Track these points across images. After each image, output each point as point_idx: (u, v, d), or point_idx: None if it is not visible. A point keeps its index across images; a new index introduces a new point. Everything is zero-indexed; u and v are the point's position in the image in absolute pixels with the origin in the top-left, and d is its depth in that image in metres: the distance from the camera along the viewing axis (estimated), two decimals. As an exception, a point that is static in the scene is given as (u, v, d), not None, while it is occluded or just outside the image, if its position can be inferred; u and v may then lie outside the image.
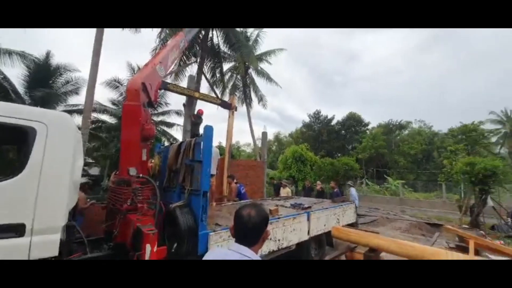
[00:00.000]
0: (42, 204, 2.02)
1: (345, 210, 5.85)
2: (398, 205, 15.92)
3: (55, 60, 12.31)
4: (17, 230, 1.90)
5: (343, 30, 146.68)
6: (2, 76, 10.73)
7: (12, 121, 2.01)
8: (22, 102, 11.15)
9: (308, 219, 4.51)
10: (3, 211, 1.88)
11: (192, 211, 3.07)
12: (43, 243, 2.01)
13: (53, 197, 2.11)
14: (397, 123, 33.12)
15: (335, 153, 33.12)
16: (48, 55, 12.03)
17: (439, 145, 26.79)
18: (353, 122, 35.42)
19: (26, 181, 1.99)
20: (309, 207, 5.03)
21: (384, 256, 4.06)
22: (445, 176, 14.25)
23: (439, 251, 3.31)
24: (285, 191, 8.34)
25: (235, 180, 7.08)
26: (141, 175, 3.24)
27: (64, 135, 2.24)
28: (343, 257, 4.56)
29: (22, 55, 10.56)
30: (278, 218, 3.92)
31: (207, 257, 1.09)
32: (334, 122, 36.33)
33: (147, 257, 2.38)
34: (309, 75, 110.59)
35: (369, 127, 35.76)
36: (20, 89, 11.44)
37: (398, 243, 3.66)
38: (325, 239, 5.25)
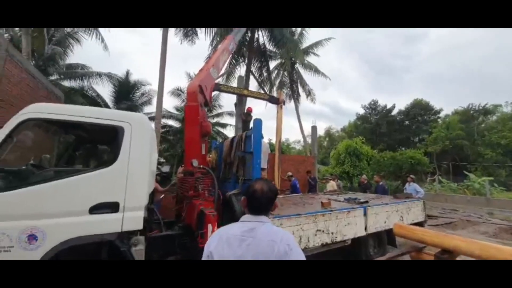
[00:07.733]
0: (130, 187, 2.52)
1: (410, 207, 5.23)
2: (484, 206, 13.14)
3: (133, 77, 15.03)
4: (113, 207, 2.43)
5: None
6: (96, 94, 13.55)
7: (107, 122, 2.59)
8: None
9: (365, 214, 4.24)
10: (103, 192, 2.42)
11: (246, 199, 3.32)
12: (132, 218, 2.51)
13: (138, 182, 2.61)
14: (480, 108, 27.28)
15: (397, 146, 29.47)
16: (127, 73, 14.77)
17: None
18: (419, 111, 30.77)
19: (119, 169, 2.51)
20: (366, 201, 4.72)
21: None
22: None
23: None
24: (330, 185, 8.00)
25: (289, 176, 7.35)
26: (202, 166, 3.66)
27: (144, 132, 2.75)
28: (407, 257, 4.11)
29: (109, 76, 13.06)
30: (331, 211, 3.83)
31: (227, 231, 1.13)
32: (395, 112, 32.36)
33: (209, 235, 2.71)
34: (362, 63, 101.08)
35: (441, 114, 30.50)
36: (110, 103, 14.26)
37: (480, 244, 3.10)
38: (385, 238, 4.82)
